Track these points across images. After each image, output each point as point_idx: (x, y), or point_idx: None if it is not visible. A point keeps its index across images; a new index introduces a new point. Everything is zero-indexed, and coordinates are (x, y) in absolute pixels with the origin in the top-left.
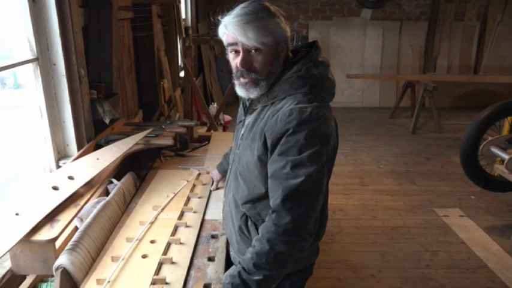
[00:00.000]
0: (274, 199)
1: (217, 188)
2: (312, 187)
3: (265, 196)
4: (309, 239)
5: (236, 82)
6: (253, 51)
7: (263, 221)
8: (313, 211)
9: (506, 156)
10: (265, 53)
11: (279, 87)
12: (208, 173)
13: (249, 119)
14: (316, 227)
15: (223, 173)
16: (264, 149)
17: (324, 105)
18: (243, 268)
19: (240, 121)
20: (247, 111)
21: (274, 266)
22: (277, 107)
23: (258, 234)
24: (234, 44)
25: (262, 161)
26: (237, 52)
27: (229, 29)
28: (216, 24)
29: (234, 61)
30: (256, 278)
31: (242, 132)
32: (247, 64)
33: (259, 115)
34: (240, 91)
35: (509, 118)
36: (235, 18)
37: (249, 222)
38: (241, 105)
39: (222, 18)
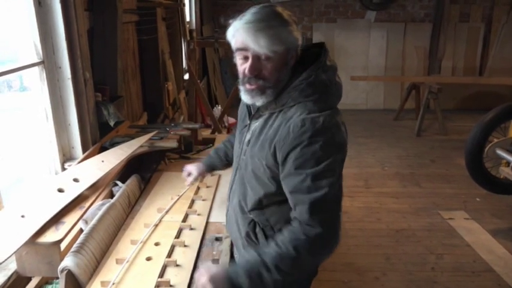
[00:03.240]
0: (301, 213)
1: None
2: (335, 195)
3: (273, 203)
4: (336, 247)
5: (242, 88)
6: (263, 58)
7: (271, 227)
8: (339, 218)
9: (511, 159)
10: (274, 60)
11: (288, 94)
12: (212, 175)
13: (256, 124)
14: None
15: (210, 168)
16: (273, 160)
17: (335, 111)
18: (264, 263)
19: (246, 125)
20: (253, 116)
21: (296, 271)
22: (287, 116)
23: (266, 240)
24: (243, 49)
25: (272, 170)
26: (245, 58)
27: (241, 34)
28: (226, 26)
29: (242, 67)
30: (274, 277)
31: (248, 138)
32: (256, 71)
33: (266, 122)
34: (246, 97)
35: None
36: (247, 24)
37: (257, 229)
38: (243, 108)
39: (232, 21)
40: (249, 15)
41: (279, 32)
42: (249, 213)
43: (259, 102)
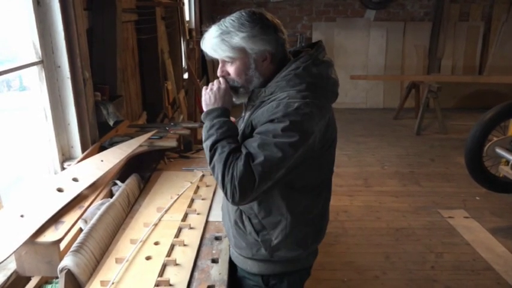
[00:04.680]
0: (247, 152)
1: None
2: (267, 168)
3: None
4: (230, 199)
5: None
6: (227, 61)
7: (256, 215)
8: (253, 187)
9: (511, 157)
10: (236, 64)
11: (277, 83)
12: (211, 174)
13: (247, 114)
14: (243, 198)
15: None
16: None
17: (318, 103)
18: (215, 135)
19: (241, 117)
20: (247, 107)
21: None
22: (270, 100)
23: (253, 228)
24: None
25: None
26: None
27: (203, 45)
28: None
29: None
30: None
31: (242, 127)
32: (223, 72)
33: (256, 110)
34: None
35: None
36: (207, 34)
37: (244, 216)
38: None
39: (204, 31)
40: (213, 26)
41: (232, 39)
42: None
43: (236, 100)
